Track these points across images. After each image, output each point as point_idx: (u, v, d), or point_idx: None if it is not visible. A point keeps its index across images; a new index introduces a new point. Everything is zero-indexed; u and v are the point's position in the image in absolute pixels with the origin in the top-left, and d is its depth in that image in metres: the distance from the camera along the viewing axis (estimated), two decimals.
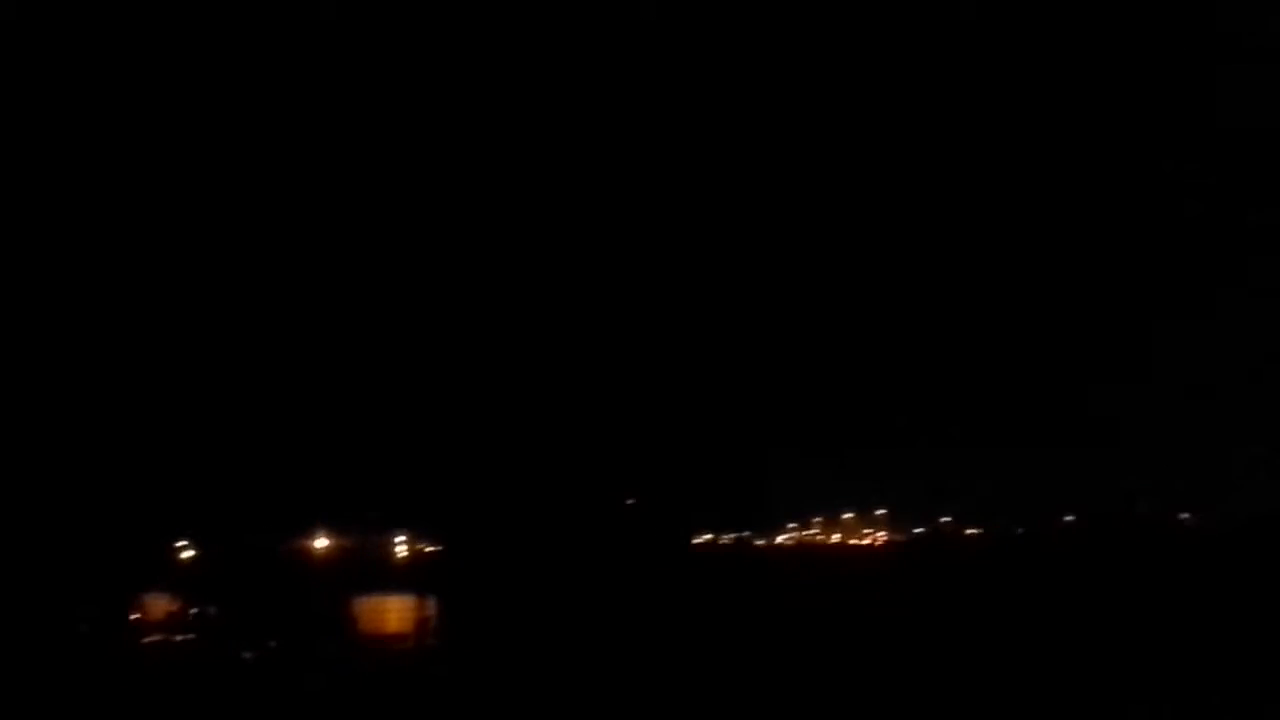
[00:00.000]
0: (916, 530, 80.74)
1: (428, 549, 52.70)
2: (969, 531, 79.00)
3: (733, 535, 69.52)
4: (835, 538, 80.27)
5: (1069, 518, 73.04)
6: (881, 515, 79.64)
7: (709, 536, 68.28)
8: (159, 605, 33.95)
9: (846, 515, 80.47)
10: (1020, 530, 73.25)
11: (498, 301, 54.32)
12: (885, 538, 77.35)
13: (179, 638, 30.73)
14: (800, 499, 74.18)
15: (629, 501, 52.21)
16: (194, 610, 33.85)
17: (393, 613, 34.50)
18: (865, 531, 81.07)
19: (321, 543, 44.62)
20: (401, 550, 49.30)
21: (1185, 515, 71.53)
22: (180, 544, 42.27)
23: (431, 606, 36.37)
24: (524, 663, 26.31)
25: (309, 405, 47.42)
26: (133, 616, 33.06)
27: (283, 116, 44.47)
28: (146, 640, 30.01)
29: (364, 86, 47.51)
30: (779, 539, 79.82)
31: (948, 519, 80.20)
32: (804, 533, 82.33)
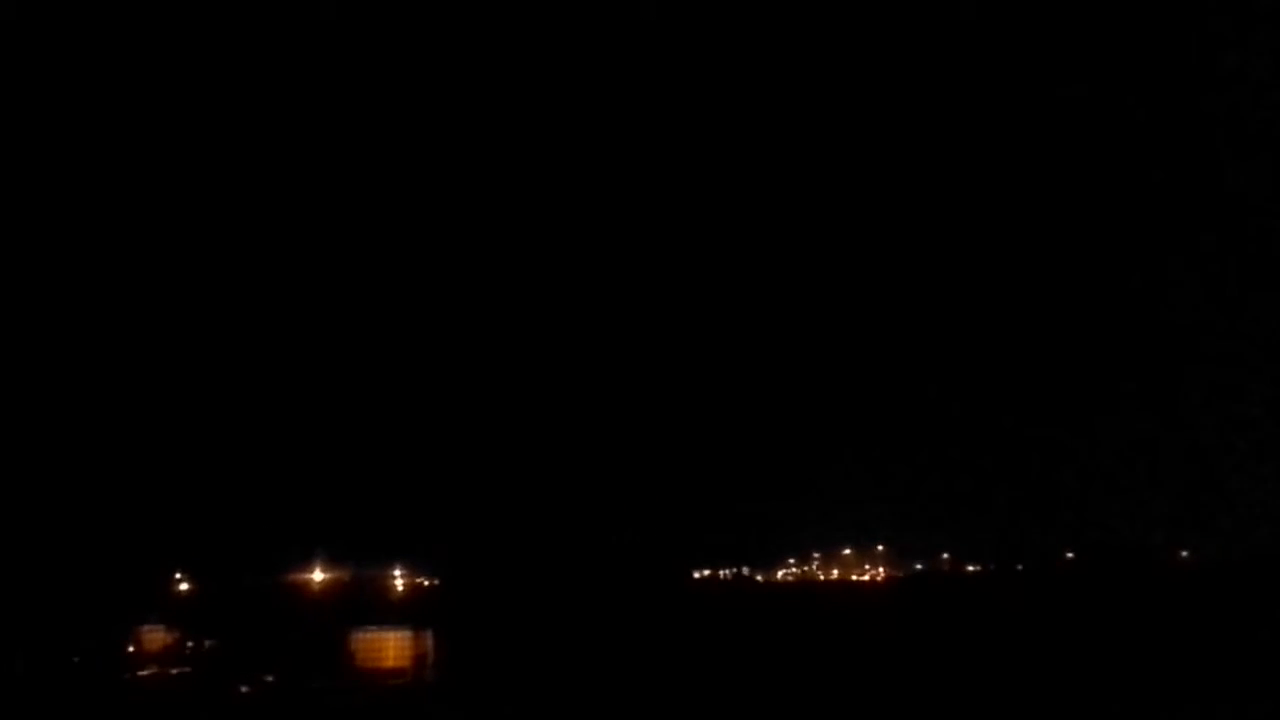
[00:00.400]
0: (916, 566, 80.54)
1: (425, 582, 52.42)
2: (969, 568, 78.72)
3: (732, 570, 69.28)
4: (834, 574, 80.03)
5: (1070, 554, 72.80)
6: (880, 551, 79.43)
7: (708, 571, 68.13)
8: (155, 638, 33.70)
9: (845, 551, 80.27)
10: (1020, 567, 72.95)
11: (497, 336, 54.32)
12: (884, 574, 77.03)
13: (175, 670, 30.48)
14: (799, 535, 74.01)
15: (627, 536, 52.02)
16: (190, 643, 33.61)
17: (390, 647, 34.25)
18: (865, 568, 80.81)
19: (318, 576, 44.35)
20: (399, 584, 49.03)
21: (1185, 553, 71.36)
22: (177, 577, 42.02)
23: (429, 640, 36.13)
24: (522, 697, 26.14)
25: (307, 439, 47.30)
26: (129, 649, 32.81)
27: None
28: (142, 673, 29.77)
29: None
30: (778, 574, 79.57)
31: (946, 555, 80.00)
32: (803, 568, 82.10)
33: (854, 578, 76.44)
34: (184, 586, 41.15)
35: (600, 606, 41.59)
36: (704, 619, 43.46)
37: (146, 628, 34.06)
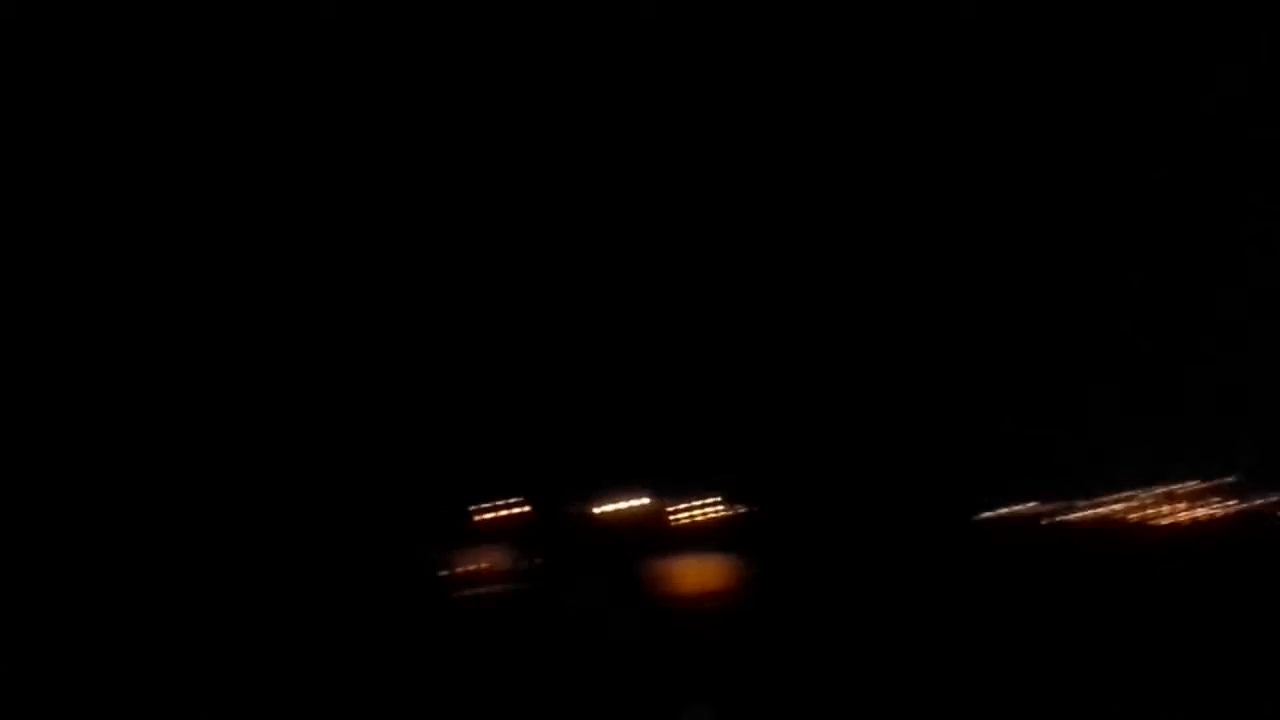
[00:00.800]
0: None
1: (739, 511, 53.79)
2: None
3: (1034, 504, 65.95)
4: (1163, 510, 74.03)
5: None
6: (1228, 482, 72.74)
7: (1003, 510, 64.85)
8: (487, 559, 36.47)
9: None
10: None
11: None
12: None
13: (504, 589, 33.03)
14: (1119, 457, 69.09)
15: (906, 468, 51.17)
16: (512, 565, 36.17)
17: (697, 573, 35.54)
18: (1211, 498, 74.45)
19: (636, 503, 46.57)
20: (711, 512, 50.64)
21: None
22: (508, 502, 45.27)
23: (742, 569, 37.20)
24: (838, 627, 26.76)
25: (625, 378, 49.46)
26: (460, 569, 35.70)
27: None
28: (473, 592, 32.45)
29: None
30: (1101, 510, 74.92)
31: None
32: (1137, 501, 76.70)
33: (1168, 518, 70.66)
34: (509, 512, 44.34)
35: (888, 544, 41.40)
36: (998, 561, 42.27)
37: (479, 549, 36.89)
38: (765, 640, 25.90)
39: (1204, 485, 67.46)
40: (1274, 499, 68.47)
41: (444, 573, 35.08)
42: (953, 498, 48.31)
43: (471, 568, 36.41)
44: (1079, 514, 64.45)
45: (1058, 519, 61.04)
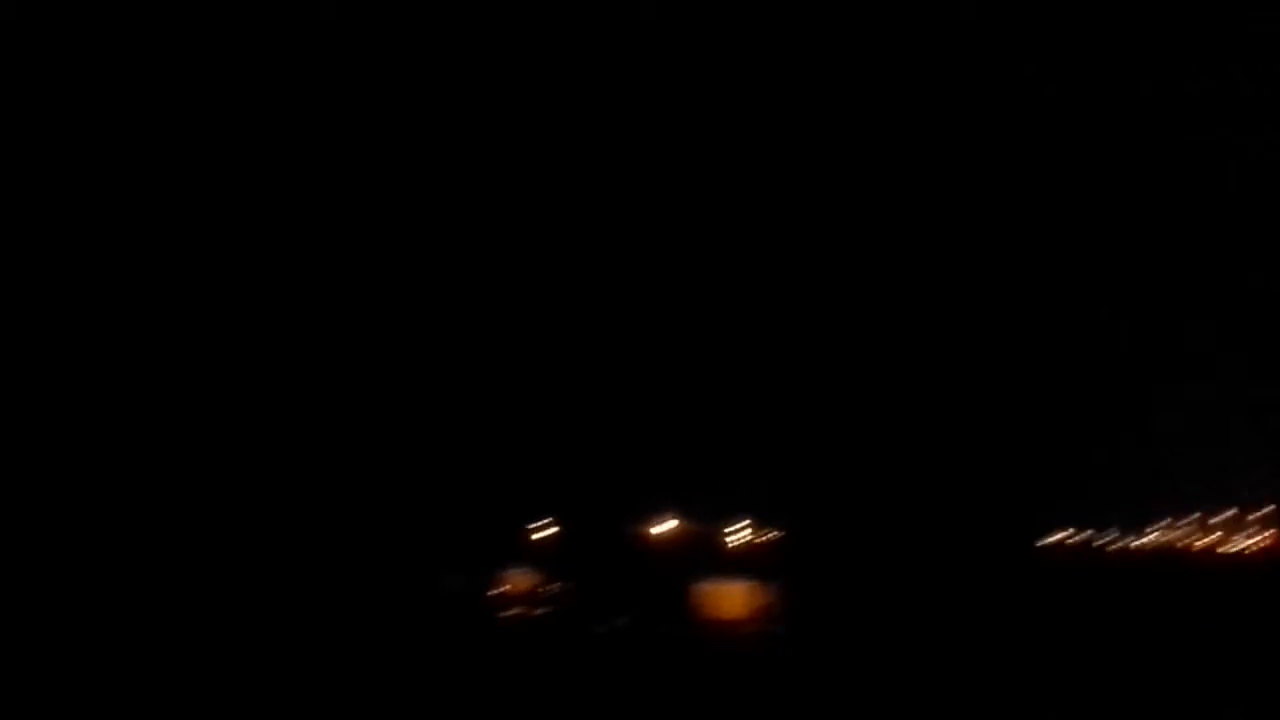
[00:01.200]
0: None
1: (770, 536, 53.35)
2: None
3: (1090, 531, 65.36)
4: (1207, 540, 72.52)
5: None
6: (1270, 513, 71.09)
7: (1058, 537, 64.17)
8: (520, 581, 36.17)
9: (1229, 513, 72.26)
10: None
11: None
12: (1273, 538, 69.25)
13: (536, 612, 32.73)
14: (1169, 486, 68.02)
15: (972, 500, 50.66)
16: (550, 587, 35.86)
17: (735, 598, 35.17)
18: (1247, 532, 73.16)
19: (668, 526, 46.22)
20: (744, 536, 50.23)
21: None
22: (541, 523, 44.97)
23: (773, 593, 36.80)
24: (867, 653, 26.30)
25: (660, 400, 49.10)
26: (495, 591, 35.40)
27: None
28: (508, 613, 32.18)
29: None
30: (1150, 537, 73.42)
31: None
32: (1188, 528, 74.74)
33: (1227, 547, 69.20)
34: (546, 533, 44.02)
35: (945, 569, 40.94)
36: (1053, 587, 41.75)
37: (513, 570, 36.61)
38: (814, 662, 25.50)
39: (1241, 513, 66.23)
40: None
41: (481, 592, 34.91)
42: (1013, 525, 47.57)
43: (507, 588, 36.18)
44: (1135, 540, 62.61)
45: (1116, 545, 59.70)
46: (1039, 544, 56.10)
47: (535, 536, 43.57)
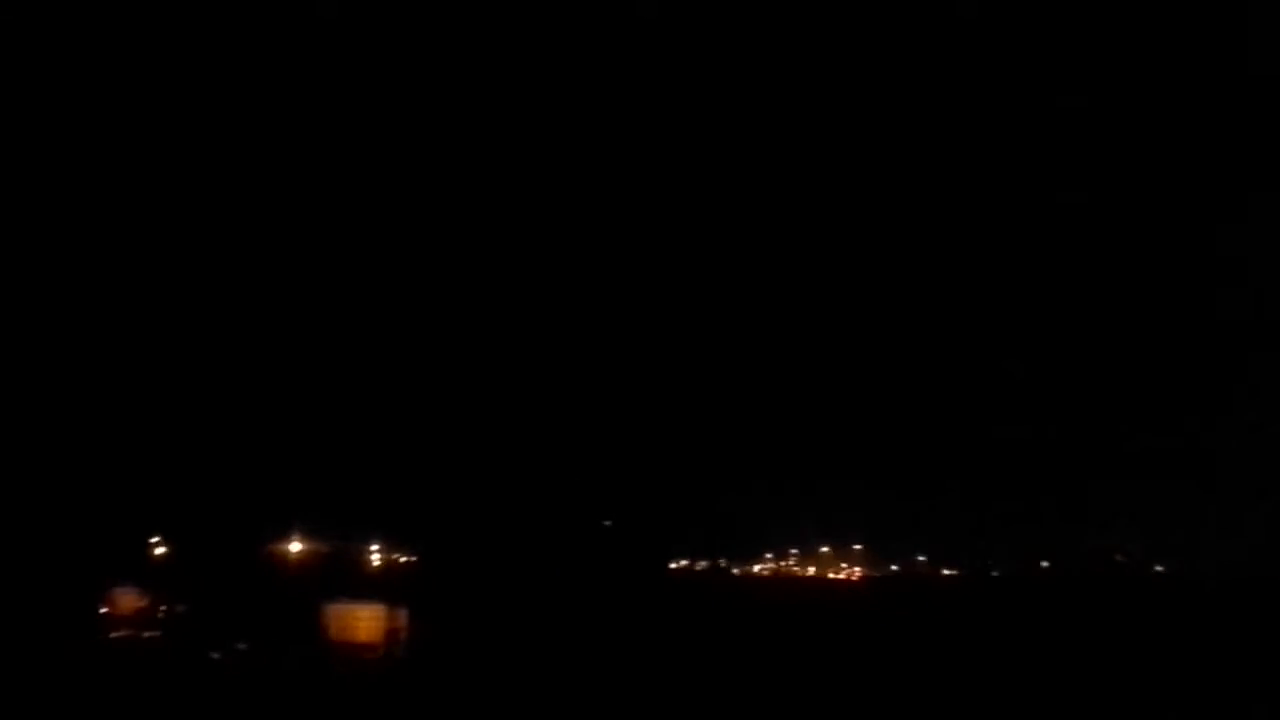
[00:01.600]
0: (892, 567, 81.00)
1: (402, 559, 52.42)
2: (944, 572, 79.21)
3: (708, 562, 69.45)
4: (811, 570, 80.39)
5: (1045, 563, 73.36)
6: (858, 551, 79.84)
7: (685, 562, 68.32)
8: (127, 600, 33.60)
9: (823, 549, 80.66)
10: (996, 573, 73.41)
11: (482, 324, 54.27)
12: (861, 573, 77.40)
13: (146, 634, 30.35)
14: (778, 531, 74.42)
15: (606, 523, 52.04)
16: (164, 607, 33.51)
17: (363, 621, 34.18)
18: (841, 566, 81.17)
19: (296, 547, 44.35)
20: (375, 559, 49.05)
21: (1160, 567, 71.98)
22: (153, 540, 41.93)
23: (402, 617, 36.10)
24: (492, 677, 26.14)
25: (291, 409, 47.19)
26: (101, 610, 32.71)
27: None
28: (113, 635, 29.64)
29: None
30: (755, 568, 79.83)
31: (923, 558, 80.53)
32: (780, 564, 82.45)
33: (829, 575, 76.87)
34: (160, 550, 41.10)
35: (577, 591, 41.65)
36: (679, 607, 43.54)
37: (120, 589, 33.98)
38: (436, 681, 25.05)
39: (830, 551, 74.17)
40: (894, 567, 74.93)
41: (84, 612, 31.98)
42: (650, 549, 49.19)
43: (114, 608, 33.32)
44: (752, 567, 68.51)
45: (734, 570, 64.58)
46: (670, 567, 59.48)
47: (147, 553, 40.64)
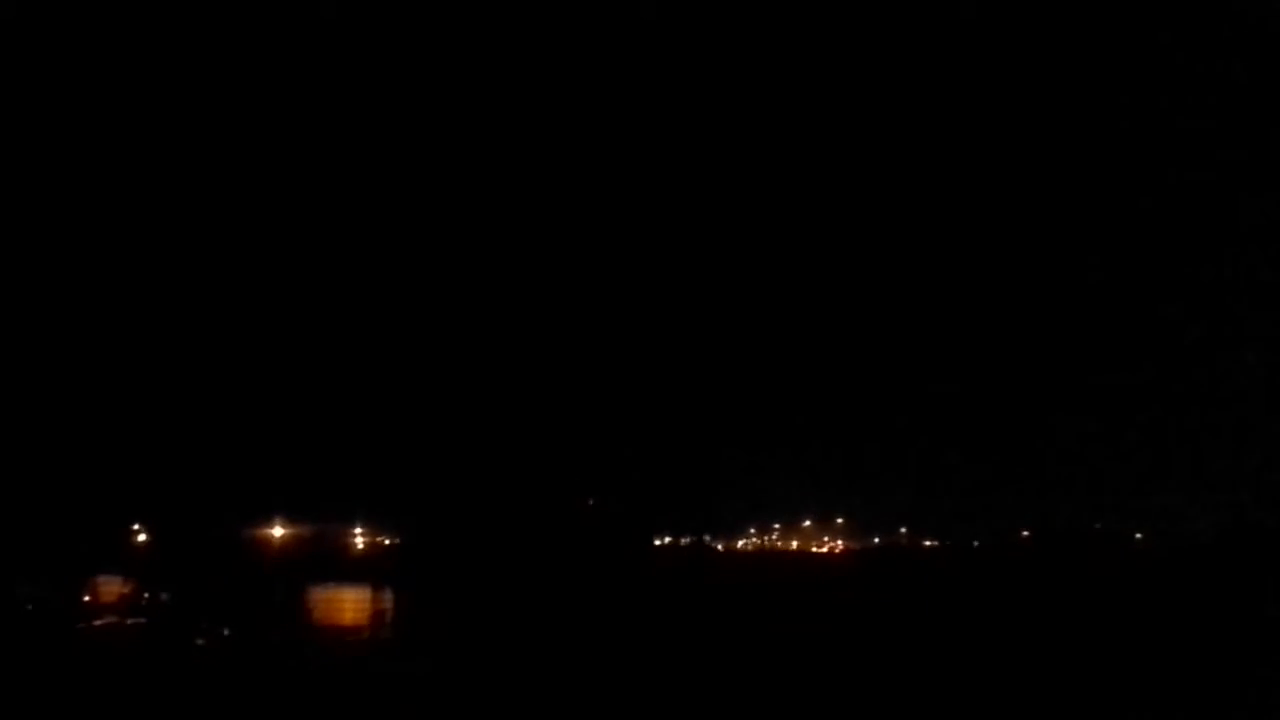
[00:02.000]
0: (874, 540, 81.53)
1: (386, 542, 52.40)
2: (926, 543, 79.78)
3: (691, 538, 69.67)
4: (794, 544, 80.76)
5: (1025, 533, 73.92)
6: (840, 524, 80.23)
7: (668, 539, 68.50)
8: (111, 588, 33.53)
9: (805, 523, 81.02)
10: (977, 543, 73.98)
11: (461, 302, 54.12)
12: (843, 546, 77.86)
13: (130, 621, 30.30)
14: (760, 505, 74.62)
15: (590, 501, 52.09)
16: (147, 594, 33.45)
17: (348, 604, 34.26)
18: (824, 539, 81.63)
19: (278, 531, 44.26)
20: (359, 541, 48.99)
21: (1139, 535, 72.62)
22: (135, 527, 41.79)
23: (387, 599, 36.17)
24: (479, 658, 26.20)
25: (273, 394, 47.01)
26: (84, 598, 32.62)
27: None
28: (97, 622, 29.58)
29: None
30: (738, 543, 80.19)
31: (904, 530, 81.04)
32: (763, 538, 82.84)
33: (813, 549, 77.25)
34: (142, 537, 40.95)
35: (562, 570, 41.71)
36: (664, 583, 43.69)
37: (102, 577, 33.89)
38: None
39: (813, 525, 74.19)
40: (876, 540, 75.08)
41: (66, 600, 31.86)
42: (633, 527, 49.33)
43: (96, 595, 33.24)
44: (736, 543, 68.56)
45: (721, 546, 64.70)
46: (654, 543, 59.64)
47: (128, 540, 40.49)
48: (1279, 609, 34.85)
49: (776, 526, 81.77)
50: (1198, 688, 22.06)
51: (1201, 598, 39.09)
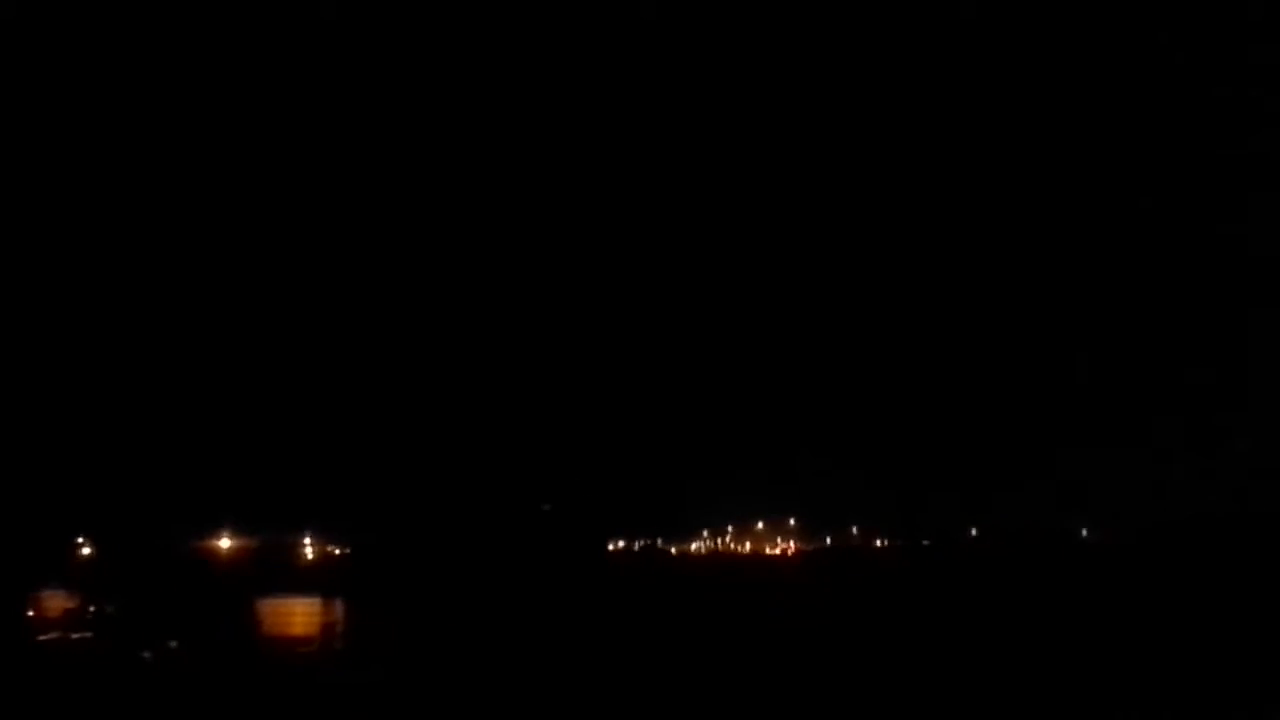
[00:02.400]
0: (826, 540, 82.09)
1: (335, 551, 51.98)
2: (877, 543, 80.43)
3: (646, 541, 69.81)
4: (747, 546, 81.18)
5: (973, 531, 74.77)
6: (792, 526, 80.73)
7: (622, 543, 68.67)
8: (56, 602, 33.05)
9: (759, 525, 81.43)
10: (926, 542, 74.69)
11: (408, 309, 53.83)
12: (795, 547, 78.39)
13: (76, 635, 29.84)
14: (712, 508, 74.89)
15: (544, 507, 52.03)
16: (93, 608, 32.97)
17: (298, 615, 33.96)
18: (777, 540, 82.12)
19: (226, 543, 43.76)
20: (308, 552, 48.56)
21: (1085, 531, 73.70)
22: (79, 541, 41.15)
23: (338, 610, 35.91)
24: (432, 667, 26.07)
25: (218, 405, 46.47)
26: (28, 613, 32.10)
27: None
28: (42, 638, 29.10)
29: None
30: (692, 546, 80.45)
31: (855, 530, 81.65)
32: (717, 541, 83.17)
33: (765, 550, 77.67)
34: (86, 550, 40.34)
35: (517, 577, 41.62)
36: (618, 588, 43.71)
37: (47, 592, 33.40)
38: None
39: (764, 526, 74.73)
40: (827, 540, 75.63)
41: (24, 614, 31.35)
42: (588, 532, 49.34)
43: (42, 610, 32.71)
44: (689, 545, 68.70)
45: (671, 549, 64.86)
46: (609, 548, 59.80)
47: (73, 554, 39.87)
48: (1231, 596, 35.57)
49: (730, 529, 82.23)
50: (1154, 678, 22.39)
51: (1150, 589, 39.77)
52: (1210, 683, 21.50)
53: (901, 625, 33.66)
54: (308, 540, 47.76)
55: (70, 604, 33.15)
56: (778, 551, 75.49)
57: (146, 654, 26.90)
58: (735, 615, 36.21)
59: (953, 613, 36.76)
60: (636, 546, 63.68)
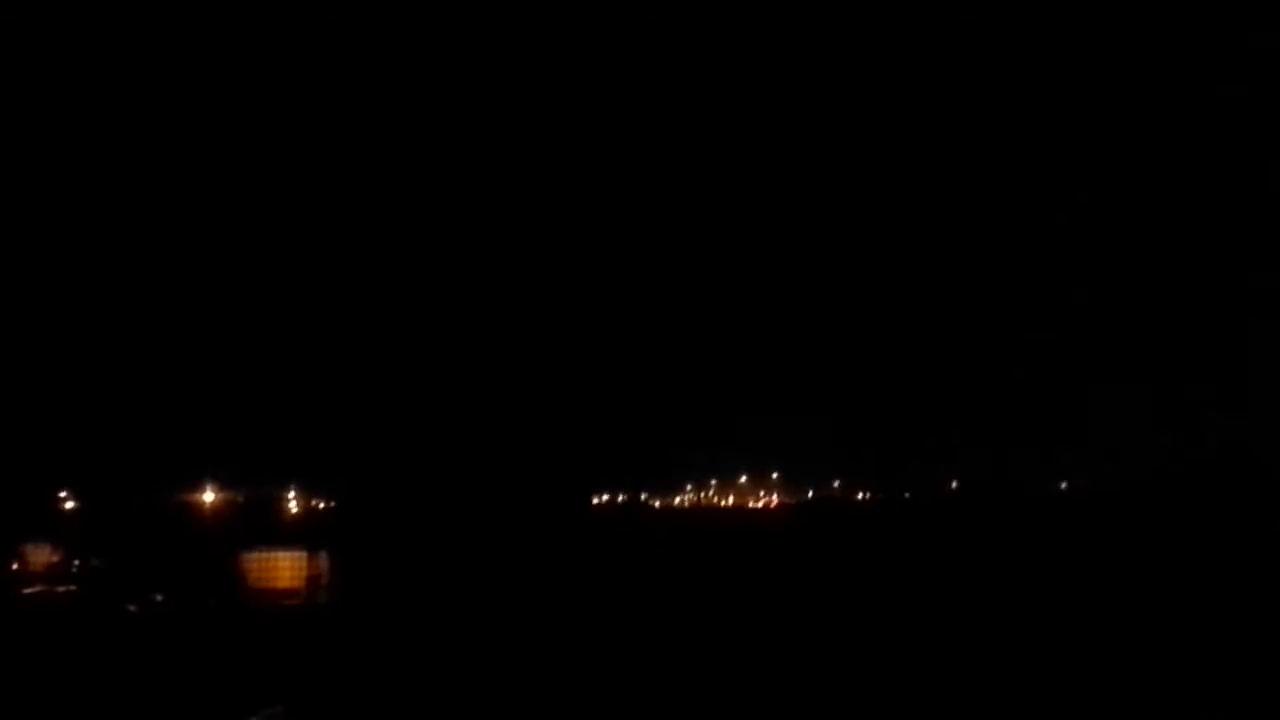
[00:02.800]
0: (809, 493, 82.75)
1: (320, 504, 52.14)
2: (858, 496, 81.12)
3: (628, 495, 70.23)
4: (730, 500, 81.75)
5: (954, 484, 75.51)
6: (775, 479, 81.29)
7: (606, 496, 69.12)
8: (40, 555, 33.09)
9: (741, 479, 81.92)
10: (907, 495, 75.41)
11: (395, 268, 53.81)
12: (778, 500, 78.98)
13: (60, 589, 29.97)
14: (695, 462, 75.33)
15: (528, 460, 52.24)
16: (77, 561, 33.07)
17: (283, 568, 34.03)
18: (759, 494, 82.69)
19: (210, 496, 43.84)
20: (293, 505, 48.71)
21: (1063, 484, 74.54)
22: (63, 494, 41.17)
23: (323, 562, 35.99)
24: (419, 621, 26.26)
25: (200, 355, 46.47)
26: (12, 566, 32.20)
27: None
28: (27, 591, 29.22)
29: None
30: (676, 499, 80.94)
31: (837, 483, 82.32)
32: (700, 494, 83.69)
33: (749, 503, 78.23)
34: (70, 504, 40.36)
35: (499, 529, 41.84)
36: (603, 542, 44.03)
37: (31, 545, 33.43)
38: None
39: (747, 480, 75.13)
40: (810, 493, 76.14)
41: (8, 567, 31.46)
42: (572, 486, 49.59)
43: (26, 564, 32.81)
44: (673, 499, 69.16)
45: (655, 502, 65.30)
46: (593, 501, 60.22)
47: (57, 507, 39.89)
48: (1203, 546, 36.08)
49: (713, 482, 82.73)
50: (1134, 633, 22.73)
51: (1128, 543, 40.25)
52: (1175, 630, 21.91)
53: (881, 574, 34.04)
54: (292, 494, 47.93)
55: (54, 558, 33.22)
56: (760, 504, 76.07)
57: (132, 607, 27.04)
58: (717, 564, 36.56)
59: (932, 562, 37.18)
60: (620, 500, 64.08)
